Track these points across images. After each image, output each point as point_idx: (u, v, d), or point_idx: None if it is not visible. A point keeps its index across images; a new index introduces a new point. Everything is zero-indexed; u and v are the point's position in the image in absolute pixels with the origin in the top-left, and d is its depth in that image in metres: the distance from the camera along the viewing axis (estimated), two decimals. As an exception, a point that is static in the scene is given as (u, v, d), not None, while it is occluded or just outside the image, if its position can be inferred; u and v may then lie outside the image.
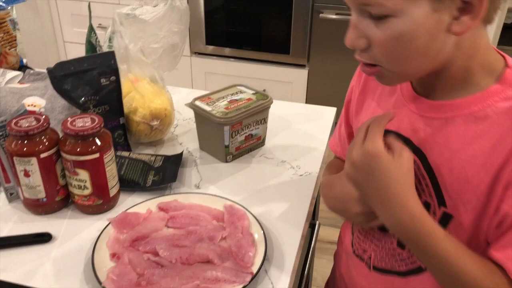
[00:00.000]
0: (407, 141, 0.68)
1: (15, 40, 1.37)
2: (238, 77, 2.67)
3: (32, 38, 2.88)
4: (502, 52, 0.66)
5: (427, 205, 0.67)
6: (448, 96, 0.66)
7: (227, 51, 2.75)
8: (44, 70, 1.30)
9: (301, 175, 1.01)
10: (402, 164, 0.62)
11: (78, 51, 2.86)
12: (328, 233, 2.18)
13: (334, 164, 0.92)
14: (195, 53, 2.79)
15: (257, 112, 1.03)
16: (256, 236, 0.81)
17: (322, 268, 2.00)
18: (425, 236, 0.61)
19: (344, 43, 0.63)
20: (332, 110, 1.26)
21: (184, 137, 1.15)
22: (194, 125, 1.13)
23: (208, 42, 2.75)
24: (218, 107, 1.02)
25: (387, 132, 0.65)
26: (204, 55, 2.80)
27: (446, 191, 0.65)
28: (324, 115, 1.24)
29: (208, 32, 2.71)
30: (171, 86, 1.16)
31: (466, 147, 0.63)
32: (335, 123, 1.24)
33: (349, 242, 0.87)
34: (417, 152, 0.68)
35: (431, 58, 0.61)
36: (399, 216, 0.62)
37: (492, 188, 0.61)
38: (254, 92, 1.09)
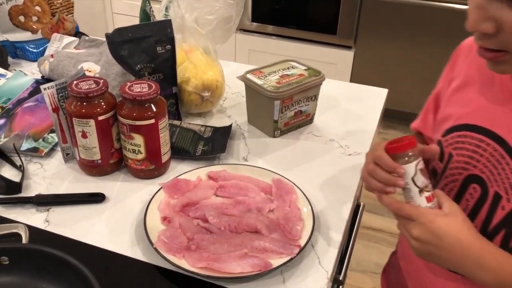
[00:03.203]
0: (501, 141, 0.67)
1: (72, 6, 1.40)
2: (282, 55, 2.63)
3: (81, 7, 2.94)
4: None
5: (498, 197, 0.67)
6: None
7: (272, 29, 2.73)
8: (99, 37, 1.33)
9: (349, 155, 1.00)
10: (457, 215, 0.64)
11: (125, 22, 2.90)
12: (365, 218, 2.16)
13: None
14: (240, 29, 2.78)
15: (308, 88, 1.03)
16: (304, 210, 0.81)
17: (356, 252, 1.99)
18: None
19: (466, 27, 0.58)
20: (383, 92, 1.23)
21: (232, 110, 1.15)
22: (243, 99, 1.13)
23: (254, 19, 2.73)
24: (270, 81, 1.01)
25: (478, 128, 0.68)
26: (249, 32, 2.79)
27: None
28: (375, 96, 1.22)
29: (254, 8, 2.69)
30: (220, 60, 1.17)
31: None
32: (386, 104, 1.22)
33: None
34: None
35: None
36: (482, 264, 0.63)
37: None
38: (306, 68, 1.07)
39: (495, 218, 0.67)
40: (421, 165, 0.65)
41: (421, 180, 0.65)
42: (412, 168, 0.65)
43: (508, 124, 0.67)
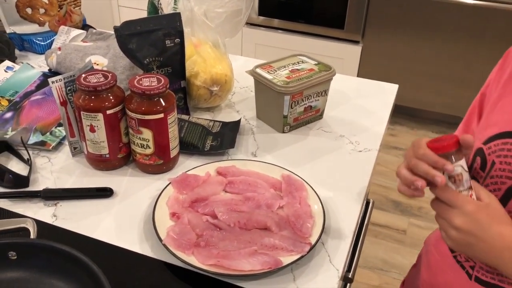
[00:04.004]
0: None
1: (80, -1, 1.39)
2: (289, 50, 2.62)
3: (88, 0, 2.93)
4: None
5: None
6: None
7: (279, 23, 2.70)
8: (106, 30, 1.32)
9: (360, 151, 0.98)
10: (497, 207, 0.63)
11: (131, 15, 2.89)
12: (372, 214, 2.15)
13: None
14: (246, 23, 2.76)
15: (319, 84, 1.01)
16: (314, 208, 0.80)
17: (363, 248, 1.98)
18: None
19: None
20: (394, 87, 1.21)
21: (241, 104, 1.14)
22: (251, 94, 1.12)
23: (261, 13, 2.71)
24: (279, 76, 1.00)
25: None
26: (256, 26, 2.76)
27: None
28: (385, 91, 1.20)
29: (261, 2, 2.67)
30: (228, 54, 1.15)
31: None
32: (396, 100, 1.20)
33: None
34: None
35: None
36: None
37: None
38: (316, 62, 1.06)
39: None
40: (458, 169, 0.64)
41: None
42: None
43: None
